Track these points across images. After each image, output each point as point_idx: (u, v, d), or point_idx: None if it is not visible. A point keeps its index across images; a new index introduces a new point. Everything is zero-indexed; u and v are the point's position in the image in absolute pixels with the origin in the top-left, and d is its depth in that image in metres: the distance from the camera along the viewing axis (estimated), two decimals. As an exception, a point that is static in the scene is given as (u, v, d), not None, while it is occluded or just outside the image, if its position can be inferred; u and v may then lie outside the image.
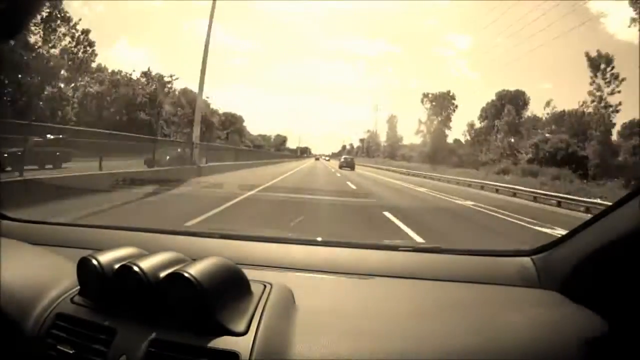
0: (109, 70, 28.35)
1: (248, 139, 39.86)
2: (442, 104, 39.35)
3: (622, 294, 0.80)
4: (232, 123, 37.06)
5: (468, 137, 38.42)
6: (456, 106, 40.05)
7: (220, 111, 36.13)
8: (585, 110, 27.62)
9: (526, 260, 1.06)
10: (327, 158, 49.02)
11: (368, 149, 47.50)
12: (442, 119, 39.83)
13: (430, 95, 40.49)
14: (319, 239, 1.26)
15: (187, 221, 4.56)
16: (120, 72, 29.09)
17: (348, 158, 30.68)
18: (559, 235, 1.01)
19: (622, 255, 0.79)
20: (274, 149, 42.57)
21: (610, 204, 0.86)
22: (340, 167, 27.71)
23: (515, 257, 1.08)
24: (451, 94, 40.10)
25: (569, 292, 0.90)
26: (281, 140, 48.07)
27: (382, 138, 46.48)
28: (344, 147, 52.83)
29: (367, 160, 41.04)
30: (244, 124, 39.59)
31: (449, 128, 40.91)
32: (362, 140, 50.61)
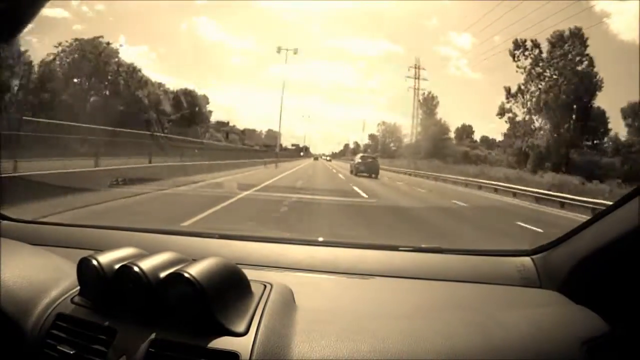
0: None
1: (225, 131, 28.78)
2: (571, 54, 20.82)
3: (622, 294, 0.80)
4: (190, 105, 24.97)
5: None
6: (591, 60, 21.17)
7: (169, 86, 24.24)
8: None
9: (526, 260, 1.06)
10: (327, 158, 41.04)
11: (385, 147, 32.91)
12: (570, 77, 20.96)
13: (529, 43, 21.95)
14: (319, 239, 1.26)
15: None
16: None
17: (368, 158, 19.03)
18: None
19: (622, 255, 0.79)
20: (261, 147, 32.08)
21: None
22: (356, 172, 17.09)
23: (516, 257, 1.08)
24: (580, 32, 20.99)
25: (569, 291, 0.90)
26: (274, 137, 37.62)
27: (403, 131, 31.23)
28: (346, 145, 41.40)
29: (388, 163, 26.31)
30: (209, 107, 27.41)
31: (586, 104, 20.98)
32: (372, 137, 36.80)
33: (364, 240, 1.31)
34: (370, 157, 19.45)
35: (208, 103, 28.13)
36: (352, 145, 40.72)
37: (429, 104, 28.75)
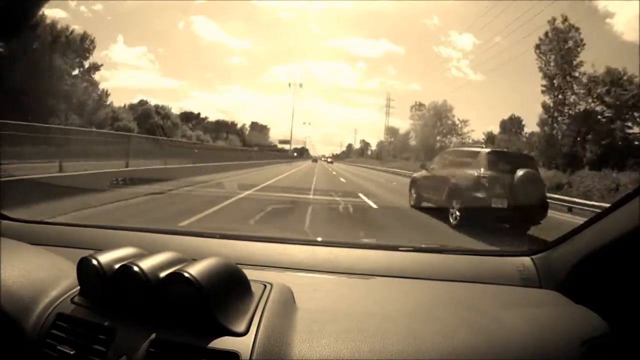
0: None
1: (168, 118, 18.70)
2: None
3: (622, 294, 0.81)
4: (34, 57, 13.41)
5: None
6: None
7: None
8: None
9: (526, 260, 1.06)
10: (329, 160, 36.04)
11: (427, 141, 20.40)
12: None
13: None
14: (319, 239, 1.26)
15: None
16: None
17: (515, 158, 6.20)
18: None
19: (622, 255, 0.79)
20: (242, 147, 23.83)
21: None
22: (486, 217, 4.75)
23: (516, 257, 1.08)
24: None
25: (569, 292, 0.90)
26: (262, 134, 28.00)
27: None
28: (349, 146, 37.21)
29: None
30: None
31: None
32: (391, 131, 26.83)
33: (364, 240, 1.31)
34: (516, 157, 7.69)
35: (90, 52, 13.56)
36: (357, 145, 33.13)
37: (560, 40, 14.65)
